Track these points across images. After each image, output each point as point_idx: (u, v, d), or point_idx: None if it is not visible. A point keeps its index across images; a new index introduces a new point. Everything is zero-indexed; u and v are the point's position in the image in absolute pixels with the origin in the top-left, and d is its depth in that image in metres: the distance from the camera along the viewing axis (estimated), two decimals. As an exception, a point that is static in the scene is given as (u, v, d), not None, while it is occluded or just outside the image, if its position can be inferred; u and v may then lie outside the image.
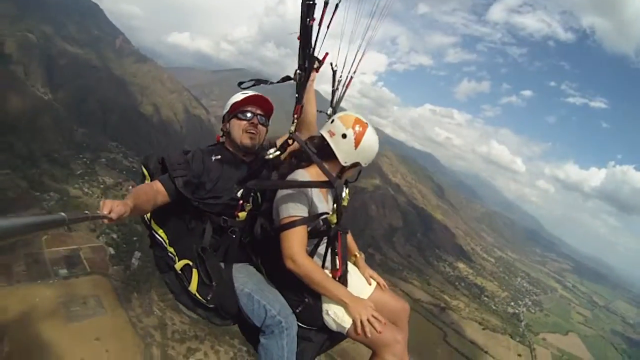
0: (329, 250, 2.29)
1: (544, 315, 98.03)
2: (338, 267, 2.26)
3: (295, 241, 2.08)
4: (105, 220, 1.51)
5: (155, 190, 2.12)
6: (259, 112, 2.48)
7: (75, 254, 52.42)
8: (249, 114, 2.43)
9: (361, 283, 2.44)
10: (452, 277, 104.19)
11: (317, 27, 2.12)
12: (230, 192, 2.32)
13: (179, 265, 2.23)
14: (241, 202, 2.29)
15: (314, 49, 2.21)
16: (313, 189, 2.21)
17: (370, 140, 2.30)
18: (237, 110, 2.45)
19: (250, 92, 2.48)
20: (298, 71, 2.31)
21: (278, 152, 2.34)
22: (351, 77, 2.75)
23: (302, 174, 2.25)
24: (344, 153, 2.27)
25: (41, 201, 58.08)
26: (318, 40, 2.18)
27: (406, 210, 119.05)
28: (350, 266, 2.46)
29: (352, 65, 2.67)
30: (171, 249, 2.30)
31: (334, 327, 2.18)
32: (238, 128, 2.43)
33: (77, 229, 55.38)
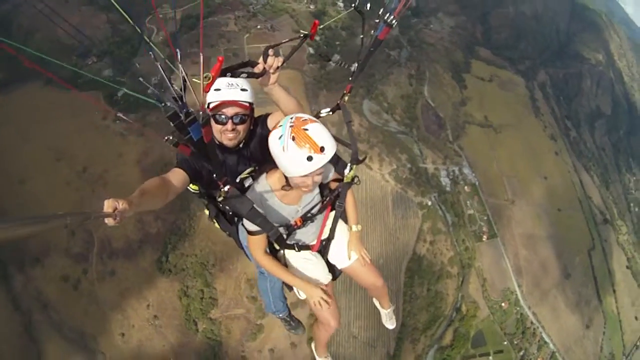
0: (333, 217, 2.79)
1: None
2: (316, 241, 2.80)
3: (253, 245, 2.57)
4: (111, 221, 1.44)
5: (168, 180, 2.23)
6: (234, 112, 2.37)
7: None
8: (223, 117, 2.37)
9: (341, 255, 2.92)
10: (631, 196, 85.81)
11: None
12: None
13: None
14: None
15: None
16: (270, 202, 2.42)
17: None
18: (213, 112, 2.36)
19: (222, 94, 2.30)
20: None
21: (330, 112, 2.73)
22: (390, 25, 2.23)
23: (262, 182, 2.42)
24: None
25: (247, 5, 61.84)
26: None
27: (618, 102, 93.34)
28: (341, 237, 2.91)
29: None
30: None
31: (300, 296, 2.87)
32: (217, 131, 2.42)
33: (280, 28, 59.82)
